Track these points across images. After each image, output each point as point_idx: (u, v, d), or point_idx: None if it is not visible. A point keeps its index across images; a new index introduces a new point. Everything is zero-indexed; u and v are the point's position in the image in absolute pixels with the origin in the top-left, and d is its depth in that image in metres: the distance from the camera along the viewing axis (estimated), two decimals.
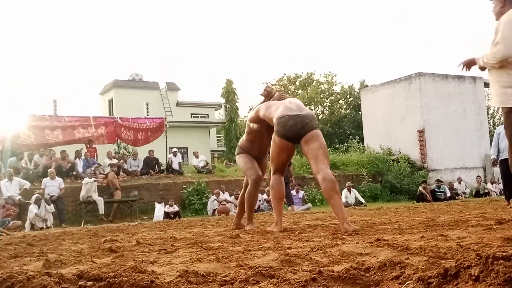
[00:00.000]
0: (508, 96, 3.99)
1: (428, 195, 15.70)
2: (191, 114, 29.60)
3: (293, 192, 14.40)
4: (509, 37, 3.88)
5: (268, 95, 5.22)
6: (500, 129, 9.23)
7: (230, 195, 14.08)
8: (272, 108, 4.74)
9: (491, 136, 26.22)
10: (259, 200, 13.87)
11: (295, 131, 4.42)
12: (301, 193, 14.75)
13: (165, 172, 15.40)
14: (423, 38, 72.41)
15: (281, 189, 4.74)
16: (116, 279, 1.83)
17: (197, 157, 16.70)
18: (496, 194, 17.44)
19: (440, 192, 16.40)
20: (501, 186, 18.35)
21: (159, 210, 12.87)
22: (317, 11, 74.54)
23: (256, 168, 5.18)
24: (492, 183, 18.54)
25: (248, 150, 5.32)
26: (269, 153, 5.02)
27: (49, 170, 12.27)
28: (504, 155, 8.98)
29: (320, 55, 68.54)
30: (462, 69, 4.44)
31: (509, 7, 4.05)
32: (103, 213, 12.49)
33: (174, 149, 16.28)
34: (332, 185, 4.30)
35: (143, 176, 14.81)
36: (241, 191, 5.51)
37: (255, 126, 5.07)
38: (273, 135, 4.62)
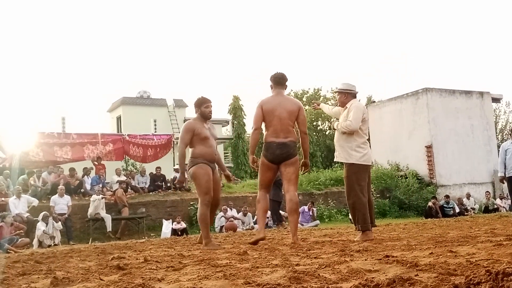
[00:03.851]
0: (352, 156, 5.50)
1: (438, 211, 15.62)
2: None
3: (305, 208, 14.33)
4: (358, 118, 5.45)
5: None
6: (507, 146, 9.22)
7: (238, 212, 14.04)
8: (266, 113, 5.35)
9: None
10: (268, 217, 13.82)
11: (281, 159, 5.28)
12: (312, 209, 14.60)
13: (172, 189, 15.38)
14: (431, 52, 72.58)
15: (266, 203, 5.46)
16: None
17: None
18: (506, 210, 17.28)
19: (449, 208, 16.29)
20: (510, 201, 18.26)
21: (167, 227, 12.85)
22: (323, 27, 75.00)
23: (211, 189, 5.59)
24: (501, 199, 18.37)
25: (203, 154, 5.60)
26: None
27: (59, 187, 12.31)
28: None
29: (326, 71, 68.84)
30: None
31: (350, 98, 5.71)
32: (110, 230, 12.48)
33: (177, 166, 16.17)
34: (295, 206, 5.34)
35: (151, 193, 14.81)
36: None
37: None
38: (262, 156, 5.41)
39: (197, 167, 5.57)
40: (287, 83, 5.59)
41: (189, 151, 5.71)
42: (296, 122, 5.38)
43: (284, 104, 5.34)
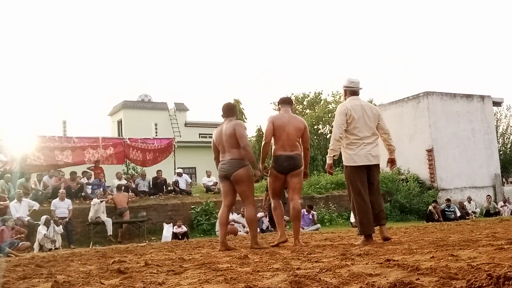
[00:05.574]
0: (344, 158, 5.64)
1: (439, 215, 15.60)
2: (200, 134, 29.64)
3: (304, 212, 14.30)
4: (337, 122, 5.51)
5: None
6: None
7: (238, 215, 14.02)
8: (276, 128, 5.83)
9: (501, 155, 26.13)
10: (265, 217, 13.80)
11: (288, 170, 5.83)
12: (312, 213, 14.55)
13: (173, 193, 15.36)
14: (431, 54, 72.66)
15: (282, 209, 6.09)
16: None
17: (208, 176, 16.72)
18: (507, 213, 17.28)
19: (450, 211, 16.28)
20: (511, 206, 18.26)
21: (167, 230, 12.84)
22: (323, 28, 75.12)
23: None
24: (504, 202, 18.37)
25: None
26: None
27: (60, 191, 12.31)
28: None
29: (327, 71, 68.86)
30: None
31: (348, 95, 5.72)
32: (111, 234, 12.46)
33: (179, 170, 16.20)
34: (298, 214, 5.94)
35: (152, 197, 14.80)
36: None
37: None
38: (271, 168, 5.95)
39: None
40: (292, 105, 6.26)
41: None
42: (300, 139, 5.93)
43: (292, 121, 5.90)
